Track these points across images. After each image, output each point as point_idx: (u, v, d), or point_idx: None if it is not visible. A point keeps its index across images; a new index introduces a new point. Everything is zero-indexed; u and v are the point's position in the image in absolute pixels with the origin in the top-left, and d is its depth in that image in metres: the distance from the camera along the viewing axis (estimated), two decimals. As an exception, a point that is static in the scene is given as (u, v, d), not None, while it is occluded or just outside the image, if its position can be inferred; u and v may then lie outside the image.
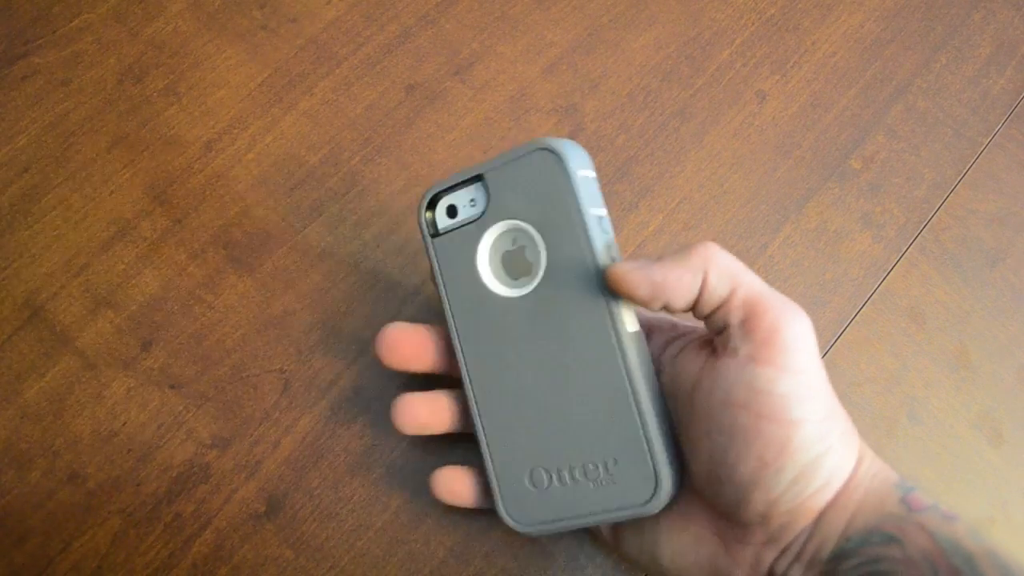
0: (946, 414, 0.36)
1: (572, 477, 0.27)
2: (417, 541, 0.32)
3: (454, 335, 0.29)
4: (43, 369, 0.33)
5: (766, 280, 0.37)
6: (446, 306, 0.29)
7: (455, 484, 0.29)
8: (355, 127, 0.38)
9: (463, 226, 0.28)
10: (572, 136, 0.39)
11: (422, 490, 0.32)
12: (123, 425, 0.33)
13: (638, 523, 0.28)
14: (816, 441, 0.23)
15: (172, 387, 0.33)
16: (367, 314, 0.35)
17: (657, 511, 0.25)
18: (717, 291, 0.24)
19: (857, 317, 0.37)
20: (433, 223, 0.29)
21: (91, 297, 0.34)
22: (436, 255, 0.29)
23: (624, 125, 0.40)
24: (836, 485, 0.24)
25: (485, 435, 0.28)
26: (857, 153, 0.40)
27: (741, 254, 0.38)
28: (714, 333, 0.25)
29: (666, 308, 0.25)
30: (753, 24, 0.42)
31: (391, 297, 0.35)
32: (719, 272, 0.24)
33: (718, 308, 0.25)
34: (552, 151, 0.26)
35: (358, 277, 0.36)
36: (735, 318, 0.24)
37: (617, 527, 0.29)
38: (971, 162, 0.41)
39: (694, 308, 0.25)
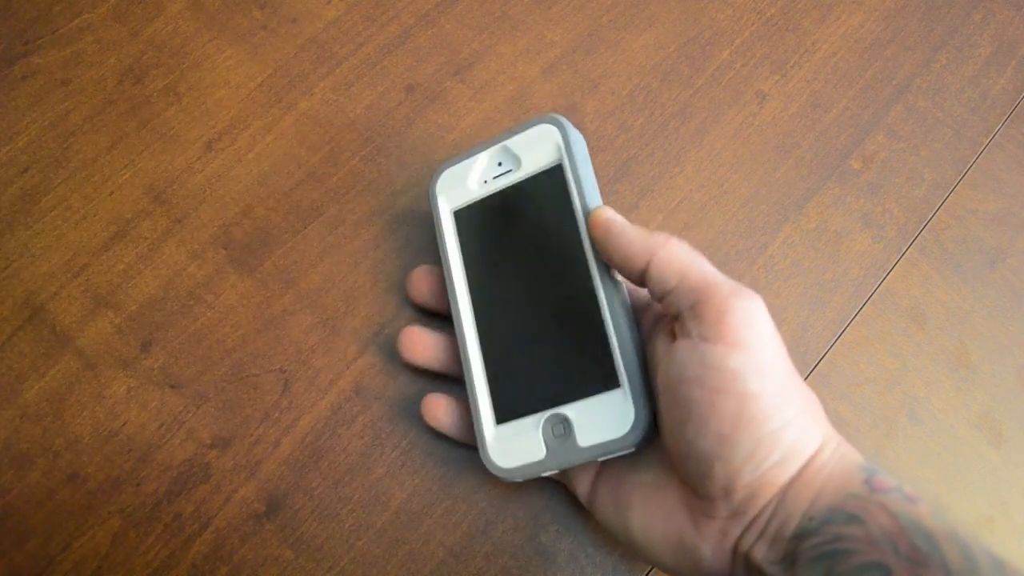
0: (946, 414, 0.36)
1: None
2: (417, 541, 0.32)
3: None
4: (43, 369, 0.33)
5: (766, 280, 0.37)
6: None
7: (438, 411, 0.31)
8: (355, 127, 0.38)
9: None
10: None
11: (422, 490, 0.32)
12: (123, 425, 0.33)
13: (613, 488, 0.28)
14: (771, 415, 0.24)
15: (172, 387, 0.33)
16: (367, 314, 0.35)
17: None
18: (661, 280, 0.26)
19: (857, 317, 0.37)
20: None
21: (91, 297, 0.34)
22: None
23: (624, 125, 0.40)
24: (797, 461, 0.24)
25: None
26: (857, 153, 0.40)
27: (741, 254, 0.38)
28: (672, 318, 0.27)
29: (613, 267, 0.28)
30: (753, 24, 0.42)
31: (391, 297, 0.35)
32: (664, 263, 0.26)
33: (667, 294, 0.26)
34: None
35: (358, 277, 0.36)
36: (685, 303, 0.25)
37: (594, 490, 0.29)
38: (971, 162, 0.41)
39: (650, 291, 0.27)
